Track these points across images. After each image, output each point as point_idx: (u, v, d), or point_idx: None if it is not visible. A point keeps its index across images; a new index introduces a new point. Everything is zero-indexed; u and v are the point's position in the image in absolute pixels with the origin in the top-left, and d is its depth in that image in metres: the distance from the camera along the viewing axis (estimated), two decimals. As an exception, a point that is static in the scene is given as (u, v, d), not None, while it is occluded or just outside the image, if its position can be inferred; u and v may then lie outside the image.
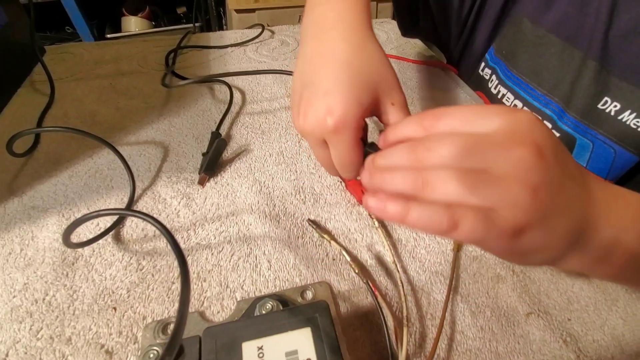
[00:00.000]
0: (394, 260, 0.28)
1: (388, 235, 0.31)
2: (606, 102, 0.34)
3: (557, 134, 0.38)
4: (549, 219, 0.18)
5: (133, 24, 1.57)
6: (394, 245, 0.30)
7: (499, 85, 0.45)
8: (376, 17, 1.11)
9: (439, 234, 0.18)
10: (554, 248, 0.19)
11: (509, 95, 0.43)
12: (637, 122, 0.32)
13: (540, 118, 0.19)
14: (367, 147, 0.23)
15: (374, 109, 0.24)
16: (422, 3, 0.49)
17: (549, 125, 0.39)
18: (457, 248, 0.30)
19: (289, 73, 0.48)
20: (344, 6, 0.27)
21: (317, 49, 0.26)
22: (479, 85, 0.49)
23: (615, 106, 0.33)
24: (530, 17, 0.40)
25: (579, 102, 0.36)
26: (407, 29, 0.53)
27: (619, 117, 0.33)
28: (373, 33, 0.27)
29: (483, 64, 0.48)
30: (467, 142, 0.18)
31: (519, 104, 0.42)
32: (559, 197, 0.18)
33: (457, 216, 0.17)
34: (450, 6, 0.48)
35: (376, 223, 0.31)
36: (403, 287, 0.27)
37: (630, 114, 0.32)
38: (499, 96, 0.45)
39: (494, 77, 0.46)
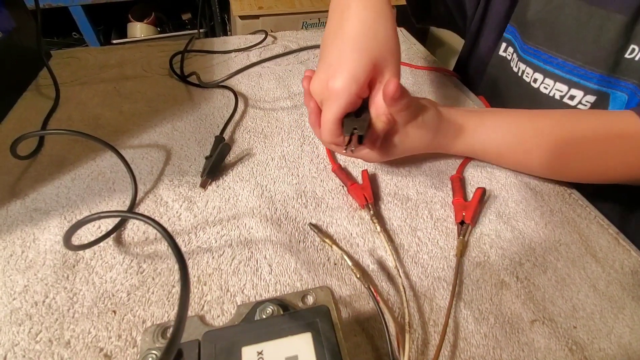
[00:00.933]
0: (396, 266, 0.28)
1: (390, 240, 0.31)
2: (633, 50, 0.33)
3: (593, 97, 0.37)
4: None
5: (139, 29, 1.59)
6: (395, 250, 0.30)
7: (519, 62, 0.44)
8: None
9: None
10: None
11: (528, 69, 0.42)
12: None
13: None
14: (345, 117, 0.29)
15: (372, 83, 0.29)
16: None
17: (581, 93, 0.38)
18: (460, 253, 0.29)
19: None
20: None
21: (331, 28, 0.30)
22: (499, 68, 0.48)
23: None
24: None
25: (604, 58, 0.35)
26: (420, 17, 0.52)
27: None
28: (388, 7, 0.29)
29: (504, 44, 0.47)
30: None
31: (539, 77, 0.41)
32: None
33: None
34: None
35: (378, 228, 0.30)
36: (405, 292, 0.26)
37: None
38: (519, 73, 0.44)
39: (514, 55, 0.45)
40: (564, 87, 0.39)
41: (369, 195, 0.33)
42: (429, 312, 0.26)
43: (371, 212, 0.31)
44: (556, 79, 0.40)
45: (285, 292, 0.27)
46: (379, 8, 0.28)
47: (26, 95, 0.46)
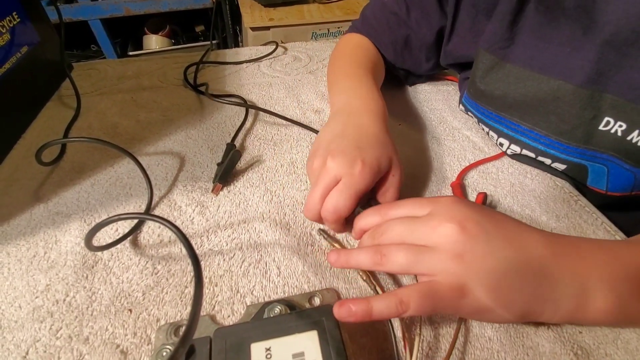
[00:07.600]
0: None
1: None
2: (608, 122, 0.31)
3: (563, 166, 0.36)
4: (484, 278, 0.22)
5: (154, 41, 1.65)
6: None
7: (480, 123, 0.42)
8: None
9: (397, 317, 0.23)
10: (503, 305, 0.22)
11: (492, 133, 0.40)
12: None
13: (459, 198, 0.25)
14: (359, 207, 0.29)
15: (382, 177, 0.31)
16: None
17: (549, 161, 0.36)
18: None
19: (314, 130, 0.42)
20: (365, 101, 0.37)
21: (352, 121, 0.34)
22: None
23: (620, 126, 0.30)
24: (490, 49, 0.36)
25: (573, 129, 0.33)
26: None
27: (628, 138, 0.30)
28: (385, 121, 0.35)
29: (458, 99, 0.46)
30: (409, 225, 0.25)
31: (505, 142, 0.39)
32: (488, 260, 0.22)
33: (406, 299, 0.21)
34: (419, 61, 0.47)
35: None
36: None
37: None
38: (484, 131, 0.42)
39: (469, 113, 0.43)
40: (531, 154, 0.37)
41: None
42: (433, 316, 0.26)
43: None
44: (523, 145, 0.38)
45: (293, 294, 0.27)
46: (384, 121, 0.35)
47: (49, 105, 0.48)
